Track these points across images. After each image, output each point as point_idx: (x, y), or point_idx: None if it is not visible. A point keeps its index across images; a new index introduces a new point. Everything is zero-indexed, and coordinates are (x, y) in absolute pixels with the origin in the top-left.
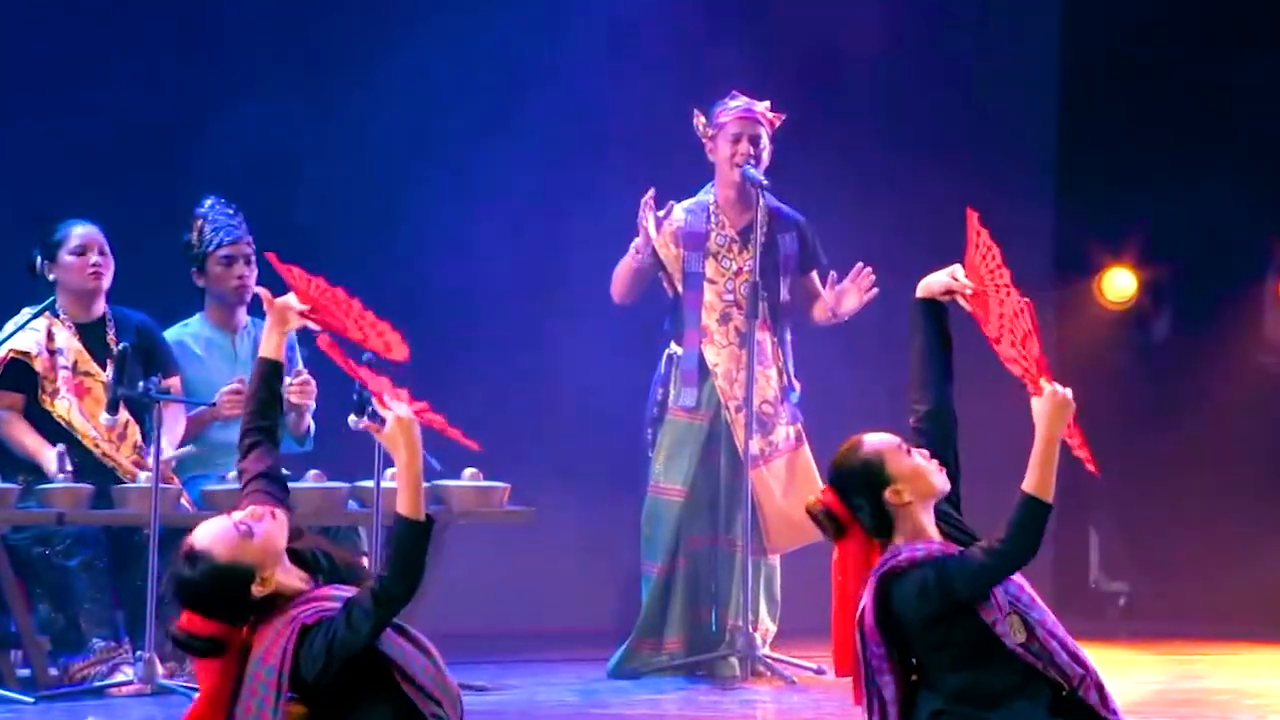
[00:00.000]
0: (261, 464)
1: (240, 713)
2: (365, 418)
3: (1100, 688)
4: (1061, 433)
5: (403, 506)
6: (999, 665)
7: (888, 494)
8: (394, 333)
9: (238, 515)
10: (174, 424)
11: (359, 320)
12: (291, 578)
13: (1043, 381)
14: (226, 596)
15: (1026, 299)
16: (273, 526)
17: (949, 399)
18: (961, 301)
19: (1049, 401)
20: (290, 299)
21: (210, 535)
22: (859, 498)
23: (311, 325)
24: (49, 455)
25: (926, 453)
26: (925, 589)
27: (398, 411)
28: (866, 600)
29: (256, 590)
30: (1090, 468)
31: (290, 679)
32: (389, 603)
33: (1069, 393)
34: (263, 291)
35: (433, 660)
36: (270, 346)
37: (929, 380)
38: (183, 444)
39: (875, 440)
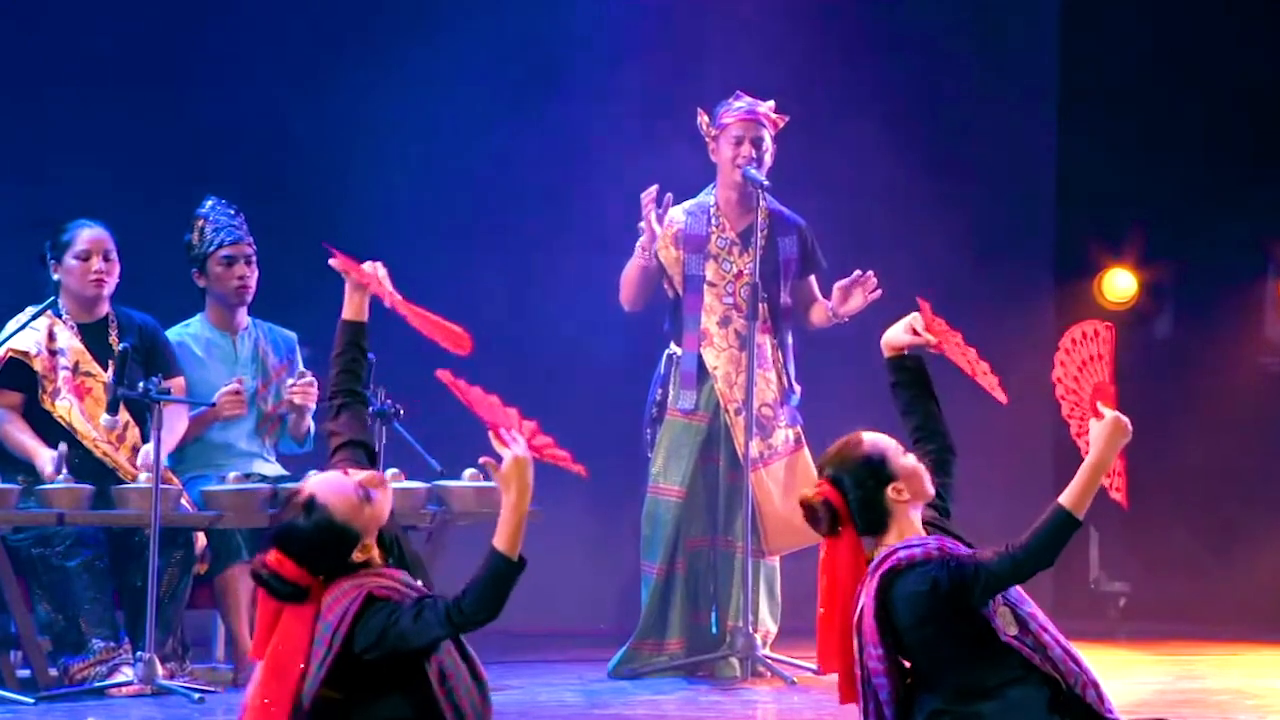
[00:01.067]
0: (351, 429)
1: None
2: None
3: (1096, 686)
4: (1113, 459)
5: (501, 543)
6: (996, 660)
7: (889, 491)
8: (454, 326)
9: (357, 476)
10: (175, 424)
11: (422, 312)
12: (377, 551)
13: (1101, 406)
14: (329, 552)
15: (1107, 323)
16: (384, 497)
17: (948, 438)
18: (930, 348)
19: (1110, 425)
20: (366, 268)
21: (332, 490)
22: (859, 492)
23: (383, 298)
24: (45, 457)
25: (914, 456)
26: (936, 589)
27: (515, 451)
28: (866, 600)
29: (357, 555)
30: (1116, 496)
31: (343, 642)
32: (461, 624)
33: (1129, 424)
34: (337, 263)
35: (480, 687)
36: (351, 309)
37: (924, 427)
38: (181, 445)
39: (876, 437)
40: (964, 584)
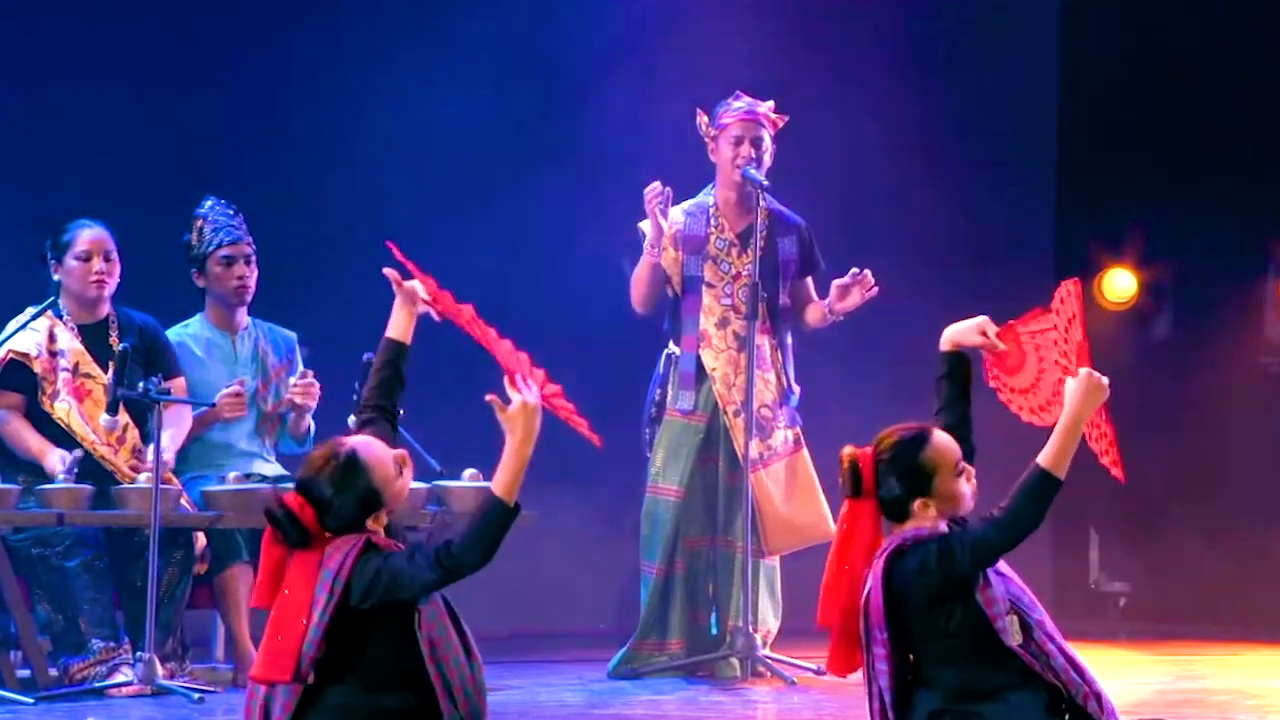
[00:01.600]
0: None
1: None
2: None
3: (1099, 697)
4: (1089, 415)
5: (498, 487)
6: (997, 664)
7: (916, 504)
8: (504, 339)
9: (393, 452)
10: (177, 425)
11: (474, 321)
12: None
13: (1076, 365)
14: (353, 510)
15: (1075, 279)
16: (409, 478)
17: (971, 442)
18: (983, 351)
19: (1084, 382)
20: (417, 285)
21: (375, 457)
22: (892, 491)
23: (433, 313)
24: (53, 457)
25: (973, 472)
26: (926, 563)
27: (525, 397)
28: (873, 584)
29: (371, 523)
30: (1116, 472)
31: (343, 589)
32: (452, 567)
33: (1105, 381)
34: (391, 273)
35: (473, 665)
36: (397, 327)
37: (955, 428)
38: (183, 446)
39: (940, 449)
40: (951, 552)
